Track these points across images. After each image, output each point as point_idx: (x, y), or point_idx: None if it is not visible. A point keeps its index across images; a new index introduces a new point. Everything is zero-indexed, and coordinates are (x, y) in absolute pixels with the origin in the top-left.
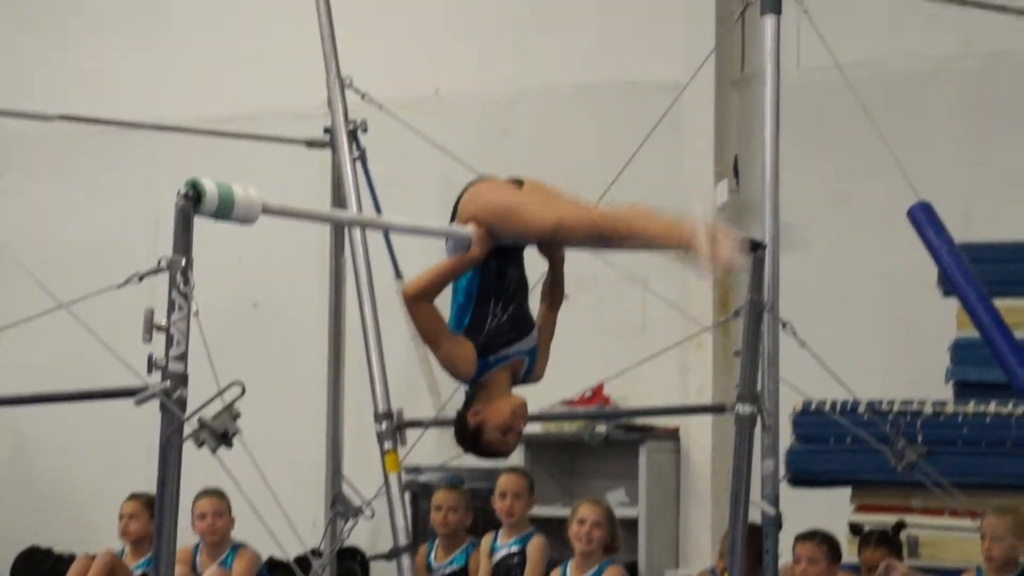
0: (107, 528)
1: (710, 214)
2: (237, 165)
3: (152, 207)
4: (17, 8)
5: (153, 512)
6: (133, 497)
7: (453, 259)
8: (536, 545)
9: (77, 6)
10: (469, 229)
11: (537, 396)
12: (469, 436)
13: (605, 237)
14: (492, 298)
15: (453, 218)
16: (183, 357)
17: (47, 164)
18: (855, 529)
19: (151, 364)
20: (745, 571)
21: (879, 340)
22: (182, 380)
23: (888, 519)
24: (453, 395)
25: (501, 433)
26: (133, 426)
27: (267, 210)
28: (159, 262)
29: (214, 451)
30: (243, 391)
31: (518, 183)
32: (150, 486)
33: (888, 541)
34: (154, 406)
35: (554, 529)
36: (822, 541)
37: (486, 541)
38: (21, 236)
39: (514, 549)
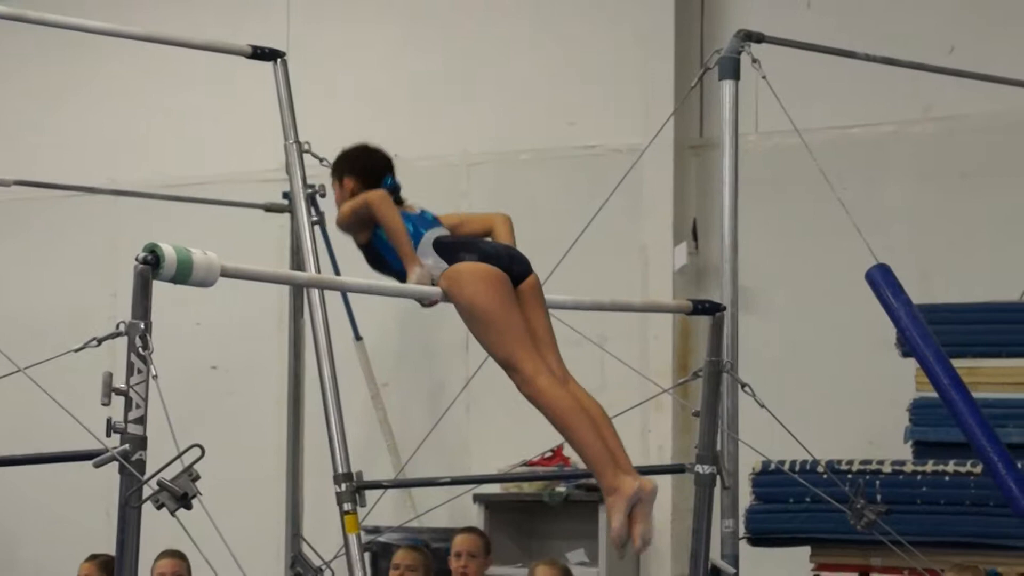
0: None
1: (643, 490)
2: (195, 230)
3: (110, 272)
4: None
5: (108, 574)
6: (91, 559)
7: (408, 263)
8: None
9: (34, 72)
10: (435, 290)
11: (497, 456)
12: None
13: (552, 417)
14: None
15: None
16: (142, 420)
17: (3, 228)
18: None
19: (110, 427)
20: None
21: (838, 400)
22: (141, 443)
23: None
24: (412, 456)
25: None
26: (91, 489)
27: (226, 273)
28: (118, 326)
29: (173, 512)
30: (203, 453)
31: (520, 271)
32: (107, 547)
33: None
34: (111, 470)
35: None
36: None
37: None
38: None
39: None
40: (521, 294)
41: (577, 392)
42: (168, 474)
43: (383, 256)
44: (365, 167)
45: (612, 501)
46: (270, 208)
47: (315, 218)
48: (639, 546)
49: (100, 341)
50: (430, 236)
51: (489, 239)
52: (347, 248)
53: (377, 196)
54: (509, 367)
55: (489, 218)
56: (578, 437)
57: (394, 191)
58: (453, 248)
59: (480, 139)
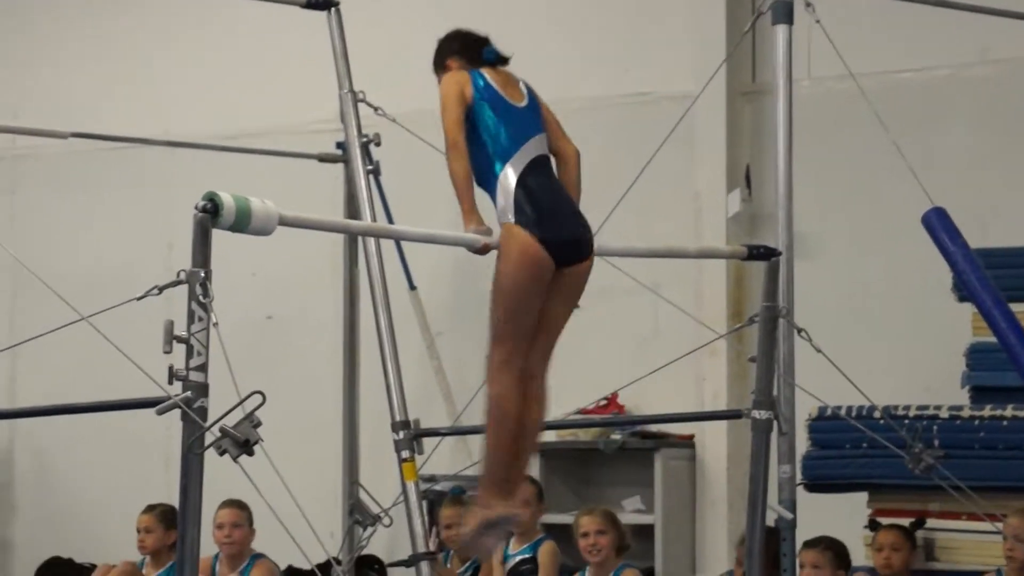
0: (125, 539)
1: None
2: (249, 181)
3: (165, 223)
4: (30, 27)
5: (167, 524)
6: (148, 509)
7: (465, 215)
8: (547, 550)
9: (90, 25)
10: (480, 238)
11: (552, 405)
12: None
13: (486, 404)
14: None
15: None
16: (203, 368)
17: (61, 181)
18: (873, 524)
19: (172, 375)
20: None
21: (894, 346)
22: (203, 390)
23: (905, 523)
24: (469, 404)
25: None
26: (150, 439)
27: (284, 221)
28: (178, 274)
29: (235, 459)
30: (264, 400)
31: (577, 254)
32: (166, 498)
33: (904, 530)
34: (171, 419)
35: (570, 536)
36: (827, 547)
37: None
38: (36, 253)
39: (525, 556)
40: (563, 278)
41: (533, 393)
42: (229, 421)
43: (474, 142)
44: (463, 44)
45: (474, 514)
46: (324, 158)
47: (370, 167)
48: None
49: (161, 289)
50: (531, 148)
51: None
52: (400, 197)
53: (448, 134)
54: (493, 337)
55: (568, 145)
56: (493, 442)
57: (499, 61)
58: (530, 199)
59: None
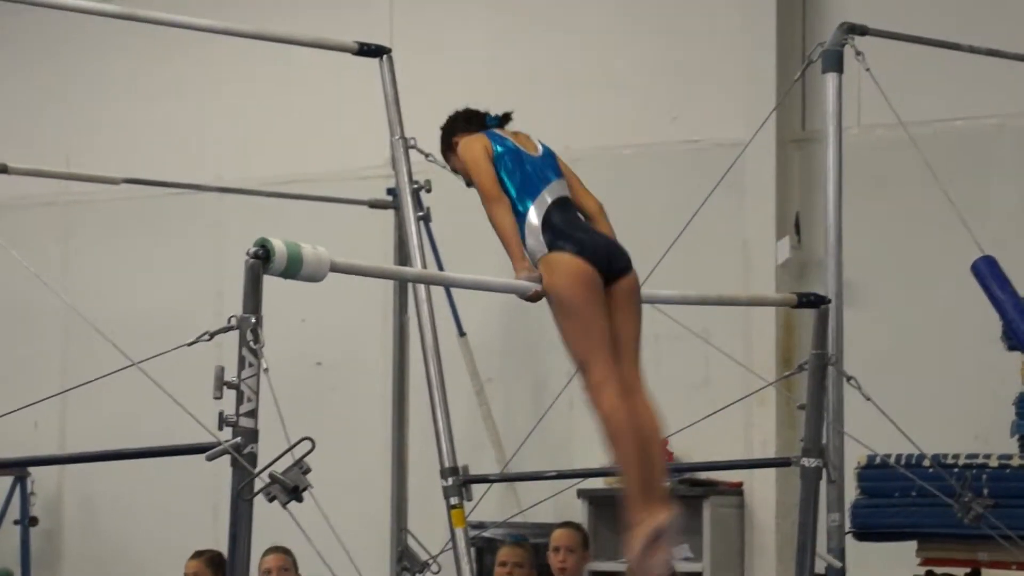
0: None
1: (671, 528)
2: (300, 227)
3: (216, 269)
4: (82, 73)
5: (215, 570)
6: (196, 555)
7: (516, 263)
8: None
9: (142, 71)
10: (532, 285)
11: (600, 452)
12: None
13: (602, 428)
14: None
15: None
16: (253, 413)
17: (113, 227)
18: (929, 574)
19: (222, 421)
20: None
21: (944, 394)
22: (252, 436)
23: (956, 571)
24: (517, 451)
25: None
26: (199, 485)
27: (336, 268)
28: (229, 320)
29: (284, 505)
30: (313, 446)
31: (618, 268)
32: (214, 544)
33: None
34: (219, 465)
35: None
36: None
37: None
38: (87, 298)
39: None
40: (615, 293)
41: (640, 406)
42: (278, 468)
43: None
44: (466, 119)
45: (633, 534)
46: (374, 204)
47: (420, 213)
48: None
49: (212, 335)
50: (551, 191)
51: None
52: (450, 244)
53: (487, 190)
54: (580, 367)
55: (590, 199)
56: (621, 460)
57: (503, 121)
58: (559, 233)
59: (582, 134)
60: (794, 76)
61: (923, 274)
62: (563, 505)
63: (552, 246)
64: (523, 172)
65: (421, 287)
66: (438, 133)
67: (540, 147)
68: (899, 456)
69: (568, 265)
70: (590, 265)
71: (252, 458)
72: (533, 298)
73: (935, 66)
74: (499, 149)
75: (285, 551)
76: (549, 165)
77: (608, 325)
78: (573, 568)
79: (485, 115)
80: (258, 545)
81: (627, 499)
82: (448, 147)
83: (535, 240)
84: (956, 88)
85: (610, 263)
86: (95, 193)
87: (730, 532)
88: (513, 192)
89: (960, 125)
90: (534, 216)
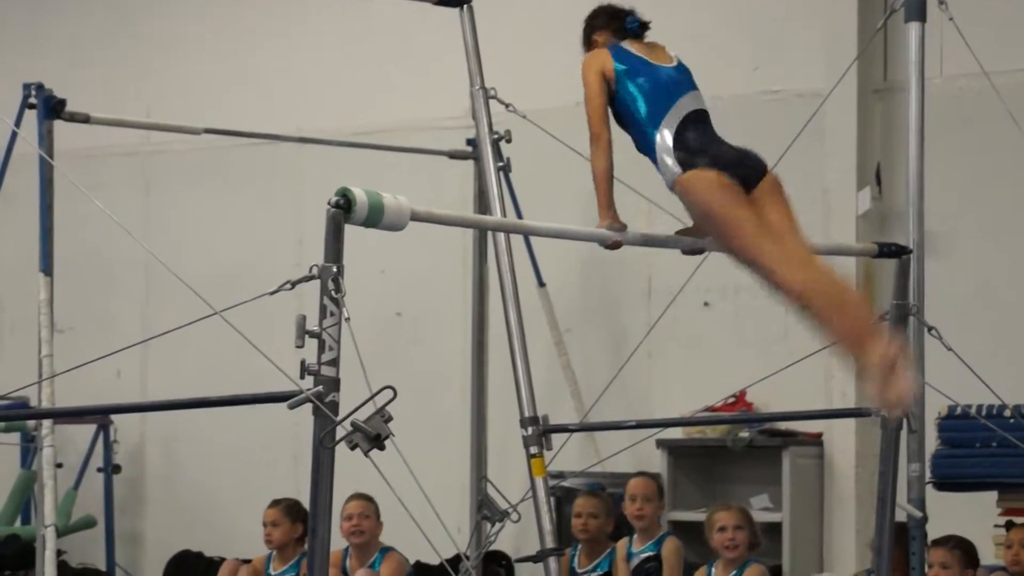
0: (254, 533)
1: (900, 350)
2: (379, 178)
3: (296, 219)
4: (162, 25)
5: (294, 518)
6: (274, 504)
7: (601, 210)
8: (670, 547)
9: (223, 20)
10: (611, 234)
11: (679, 402)
12: None
13: (798, 302)
14: None
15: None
16: (335, 362)
17: (193, 177)
18: (1009, 524)
19: (303, 369)
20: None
21: None
22: (334, 384)
23: None
24: (597, 401)
25: None
26: (280, 434)
27: (416, 217)
28: (310, 269)
29: (367, 453)
30: (395, 395)
31: (756, 172)
32: (294, 492)
33: None
34: (302, 413)
35: (697, 534)
36: (955, 547)
37: (621, 547)
38: (168, 248)
39: (649, 553)
40: (759, 196)
41: (821, 268)
42: (360, 416)
43: (626, 115)
44: (608, 16)
45: (870, 373)
46: (454, 155)
47: (500, 163)
48: (897, 410)
49: (294, 284)
50: (684, 105)
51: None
52: (530, 194)
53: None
54: (753, 264)
55: None
56: (830, 314)
57: (643, 28)
58: (692, 150)
59: None
60: (876, 25)
61: (1005, 224)
62: (642, 455)
63: (686, 164)
64: (655, 84)
65: (501, 237)
66: (521, 80)
67: (675, 57)
68: (980, 406)
69: (706, 181)
70: (727, 176)
71: (334, 406)
72: (613, 246)
73: (1018, 15)
74: (620, 67)
75: (368, 498)
76: (683, 77)
77: (762, 222)
78: (649, 517)
79: (627, 16)
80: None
81: (850, 346)
82: (588, 42)
83: (669, 158)
84: None
85: (746, 170)
86: (176, 143)
87: (810, 482)
88: (643, 110)
89: None
90: (667, 135)
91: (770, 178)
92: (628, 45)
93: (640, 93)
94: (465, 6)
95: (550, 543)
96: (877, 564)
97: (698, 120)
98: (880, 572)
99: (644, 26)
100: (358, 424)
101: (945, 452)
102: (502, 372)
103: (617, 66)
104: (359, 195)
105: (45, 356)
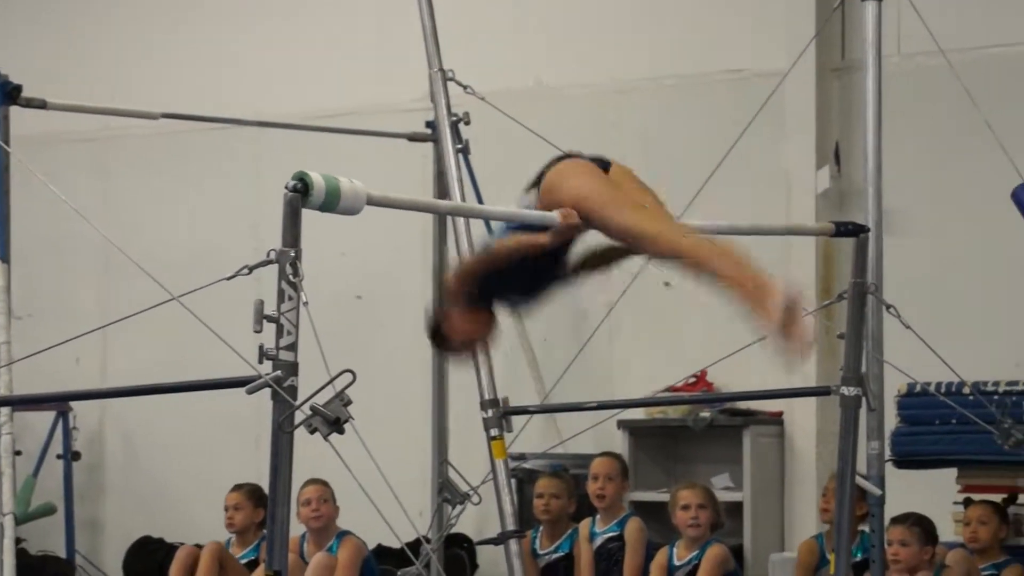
0: (214, 518)
1: (794, 292)
2: (338, 161)
3: (254, 204)
4: (119, 9)
5: (255, 502)
6: (236, 488)
7: (520, 239)
8: (633, 528)
9: (182, 5)
10: (554, 214)
11: (640, 383)
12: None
13: (687, 263)
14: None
15: (536, 185)
16: (293, 346)
17: (151, 162)
18: (966, 502)
19: (262, 354)
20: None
21: (983, 321)
22: (293, 369)
23: (995, 497)
24: (557, 382)
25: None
26: (240, 419)
27: (372, 201)
28: (268, 254)
29: (326, 437)
30: (354, 378)
31: (603, 165)
32: (255, 477)
33: (994, 504)
34: (261, 398)
35: (658, 514)
36: (914, 524)
37: (584, 527)
38: (126, 233)
39: (612, 534)
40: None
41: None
42: (319, 400)
43: None
44: None
45: (766, 314)
46: (413, 137)
47: (459, 146)
48: (799, 349)
49: (251, 269)
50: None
51: None
52: (489, 176)
53: None
54: (633, 236)
55: None
56: (721, 261)
57: None
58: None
59: (625, 66)
60: (834, 5)
61: (963, 202)
62: (603, 436)
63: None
64: None
65: (460, 220)
66: (480, 62)
67: None
68: (939, 384)
69: (568, 168)
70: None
71: (292, 391)
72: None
73: None
74: None
75: (324, 483)
76: None
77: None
78: (611, 496)
79: None
80: (298, 477)
81: (744, 291)
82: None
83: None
84: (996, 15)
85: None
86: (134, 128)
87: (770, 461)
88: None
89: (1000, 52)
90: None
91: (615, 167)
92: None
93: None
94: None
95: (511, 525)
96: (837, 542)
97: None
98: (840, 549)
99: None
100: (317, 408)
101: (904, 430)
102: None
103: None
104: (316, 179)
105: (3, 343)
